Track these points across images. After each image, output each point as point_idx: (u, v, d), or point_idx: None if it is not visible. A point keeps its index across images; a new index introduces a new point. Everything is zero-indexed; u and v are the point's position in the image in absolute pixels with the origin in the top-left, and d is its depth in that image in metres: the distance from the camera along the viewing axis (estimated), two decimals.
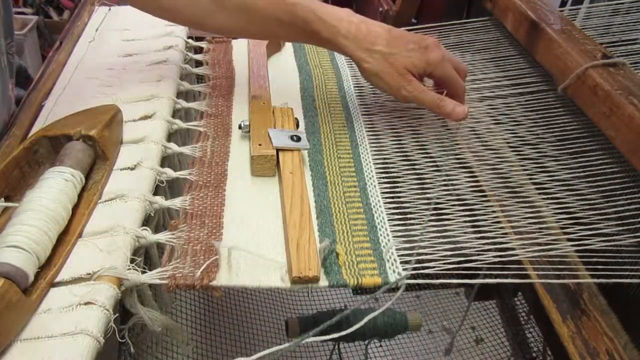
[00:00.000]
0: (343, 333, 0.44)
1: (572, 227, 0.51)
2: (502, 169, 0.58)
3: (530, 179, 0.57)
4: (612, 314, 0.48)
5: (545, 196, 0.55)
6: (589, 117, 0.57)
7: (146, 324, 0.44)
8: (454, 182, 0.57)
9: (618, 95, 0.52)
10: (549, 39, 0.64)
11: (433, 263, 0.47)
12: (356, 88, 0.72)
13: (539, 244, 0.50)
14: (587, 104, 0.57)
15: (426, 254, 0.48)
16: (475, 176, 0.58)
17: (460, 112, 0.60)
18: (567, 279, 0.50)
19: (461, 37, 0.81)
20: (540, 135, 0.62)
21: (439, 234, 0.50)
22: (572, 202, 0.54)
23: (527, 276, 0.50)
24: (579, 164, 0.56)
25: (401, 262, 0.47)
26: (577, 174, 0.56)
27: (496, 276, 0.48)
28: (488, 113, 0.67)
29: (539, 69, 0.70)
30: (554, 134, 0.61)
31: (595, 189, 0.54)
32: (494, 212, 0.53)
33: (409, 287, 0.46)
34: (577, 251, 0.50)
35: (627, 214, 0.51)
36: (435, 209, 0.53)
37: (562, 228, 0.52)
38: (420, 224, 0.51)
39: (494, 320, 0.88)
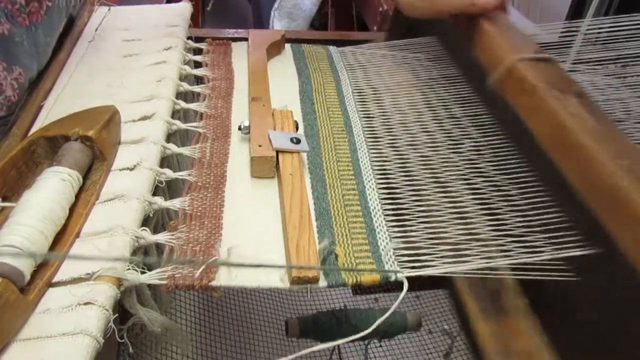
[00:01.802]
0: (344, 340, 0.44)
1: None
2: (495, 175, 0.59)
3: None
4: (531, 314, 0.48)
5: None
6: (516, 111, 0.56)
7: (145, 324, 0.44)
8: (451, 186, 0.57)
9: (542, 90, 0.51)
10: (484, 31, 0.64)
11: (430, 262, 0.47)
12: (355, 92, 0.73)
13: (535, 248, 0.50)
14: (514, 98, 0.56)
15: (424, 254, 0.48)
16: (472, 181, 0.58)
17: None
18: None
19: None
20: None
21: (436, 237, 0.50)
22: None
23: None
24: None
25: (399, 263, 0.47)
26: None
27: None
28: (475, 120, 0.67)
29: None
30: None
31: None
32: (488, 216, 0.53)
33: (409, 286, 0.46)
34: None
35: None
36: (432, 212, 0.53)
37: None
38: (418, 227, 0.51)
39: None
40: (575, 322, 0.48)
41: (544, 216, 0.50)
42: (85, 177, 0.49)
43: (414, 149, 0.62)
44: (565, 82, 0.52)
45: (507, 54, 0.57)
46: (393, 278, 0.46)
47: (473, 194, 0.57)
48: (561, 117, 0.47)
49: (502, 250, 0.49)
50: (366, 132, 0.65)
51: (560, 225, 0.48)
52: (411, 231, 0.51)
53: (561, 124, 0.47)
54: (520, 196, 0.56)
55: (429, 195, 0.55)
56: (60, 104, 0.62)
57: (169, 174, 0.54)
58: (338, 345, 0.69)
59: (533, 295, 0.50)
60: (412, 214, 0.53)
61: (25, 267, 0.38)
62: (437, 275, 0.46)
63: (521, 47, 0.58)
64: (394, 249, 0.48)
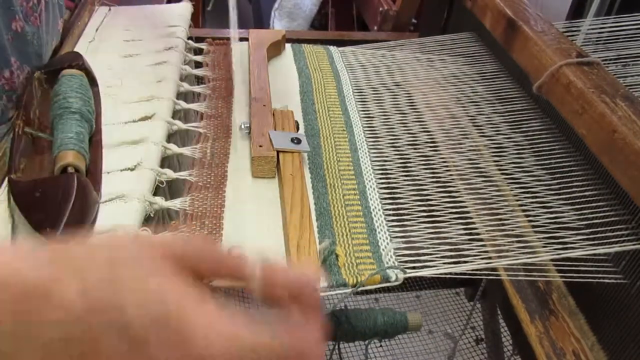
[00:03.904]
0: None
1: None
2: (494, 176, 0.59)
3: (519, 186, 0.58)
4: (580, 314, 0.48)
5: (532, 203, 0.55)
6: (562, 115, 0.56)
7: None
8: (451, 186, 0.57)
9: (590, 94, 0.51)
10: (525, 37, 0.63)
11: (431, 262, 0.47)
12: (356, 92, 0.72)
13: (531, 248, 0.50)
14: (560, 102, 0.56)
15: (424, 254, 0.48)
16: (471, 181, 0.58)
17: None
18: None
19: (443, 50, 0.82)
20: (523, 146, 0.62)
21: (436, 237, 0.50)
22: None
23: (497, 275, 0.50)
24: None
25: (400, 263, 0.47)
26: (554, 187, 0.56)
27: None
28: (475, 123, 0.67)
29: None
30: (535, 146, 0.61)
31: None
32: (487, 216, 0.54)
33: (409, 286, 0.46)
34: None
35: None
36: (432, 212, 0.53)
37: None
38: (418, 227, 0.51)
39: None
40: (623, 321, 0.47)
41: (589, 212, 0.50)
42: None
43: (415, 148, 0.62)
44: (612, 85, 0.52)
45: (551, 58, 0.57)
46: (394, 278, 0.46)
47: (473, 193, 0.57)
48: (612, 122, 0.47)
49: (502, 250, 0.49)
50: (367, 132, 0.65)
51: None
52: (412, 231, 0.51)
53: (612, 129, 0.47)
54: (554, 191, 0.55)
55: (429, 195, 0.55)
56: None
57: (169, 174, 0.54)
58: (338, 346, 0.69)
59: (581, 296, 0.50)
60: (413, 214, 0.53)
61: None
62: (475, 277, 0.46)
63: (564, 51, 0.58)
64: (395, 249, 0.48)
